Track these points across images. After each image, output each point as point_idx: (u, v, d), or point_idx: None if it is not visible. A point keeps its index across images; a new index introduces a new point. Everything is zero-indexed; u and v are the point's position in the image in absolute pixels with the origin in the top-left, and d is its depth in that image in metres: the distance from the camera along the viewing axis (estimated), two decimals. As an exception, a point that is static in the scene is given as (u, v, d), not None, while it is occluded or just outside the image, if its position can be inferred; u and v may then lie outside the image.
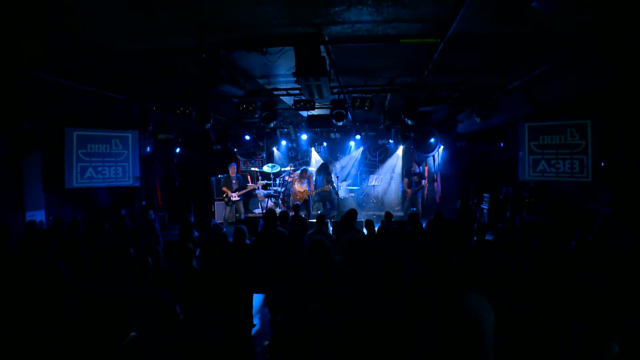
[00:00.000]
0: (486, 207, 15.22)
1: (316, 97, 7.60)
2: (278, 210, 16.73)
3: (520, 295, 4.91)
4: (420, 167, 15.82)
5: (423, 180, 15.50)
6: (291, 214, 10.91)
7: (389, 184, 19.05)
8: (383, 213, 10.41)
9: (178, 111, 10.74)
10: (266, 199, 16.58)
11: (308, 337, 4.58)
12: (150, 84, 9.89)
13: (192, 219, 11.51)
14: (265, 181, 18.23)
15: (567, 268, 6.00)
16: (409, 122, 10.24)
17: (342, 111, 10.13)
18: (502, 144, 17.54)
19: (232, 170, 15.13)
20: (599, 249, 6.68)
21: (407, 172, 16.00)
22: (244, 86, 7.61)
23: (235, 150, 18.72)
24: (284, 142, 19.74)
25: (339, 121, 10.28)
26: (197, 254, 7.88)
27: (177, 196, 18.20)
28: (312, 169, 18.99)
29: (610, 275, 5.57)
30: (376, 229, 9.01)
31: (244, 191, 14.99)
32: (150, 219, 10.12)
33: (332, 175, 16.53)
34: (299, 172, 15.46)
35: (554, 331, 4.54)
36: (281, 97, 11.42)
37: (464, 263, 4.15)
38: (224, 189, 14.84)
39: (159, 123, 12.07)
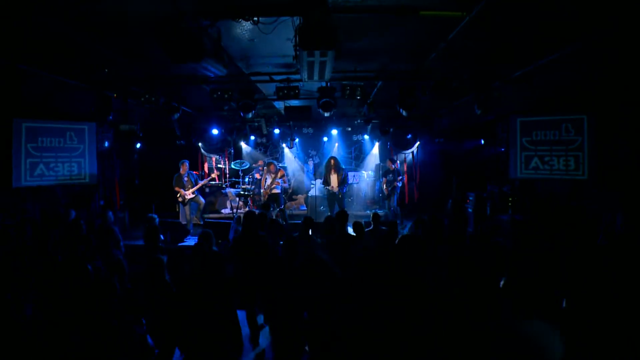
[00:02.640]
0: (471, 207, 14.37)
1: (316, 77, 6.45)
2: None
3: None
4: (397, 165, 14.81)
5: (398, 178, 14.52)
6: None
7: (366, 181, 18.02)
8: (362, 213, 9.54)
9: (142, 99, 9.39)
10: (236, 199, 15.31)
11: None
12: (112, 65, 8.51)
13: (158, 221, 10.22)
14: (233, 178, 16.99)
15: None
16: (404, 114, 9.24)
17: (331, 100, 9.04)
18: (482, 141, 16.85)
19: (184, 167, 13.73)
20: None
21: (384, 171, 14.98)
22: (227, 64, 6.40)
23: (200, 145, 17.44)
24: (252, 137, 18.46)
25: (327, 111, 9.19)
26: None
27: (138, 195, 16.86)
28: (282, 165, 17.91)
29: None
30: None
31: (197, 187, 13.70)
32: (109, 222, 8.90)
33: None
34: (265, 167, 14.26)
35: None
36: (257, 85, 10.29)
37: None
38: (177, 188, 13.61)
39: (120, 112, 10.64)
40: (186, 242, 12.11)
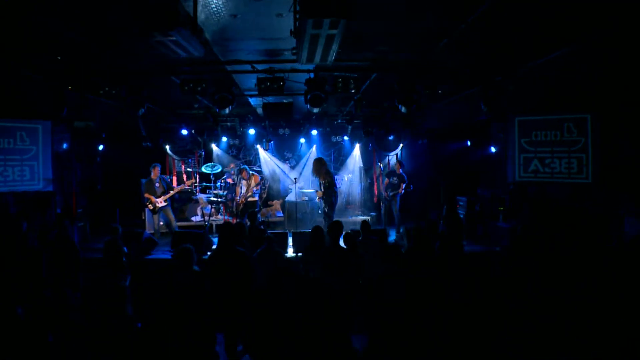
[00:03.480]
0: (462, 212, 13.43)
1: (317, 58, 5.25)
2: (219, 219, 14.30)
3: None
4: (402, 169, 13.76)
5: (402, 185, 13.47)
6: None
7: (347, 185, 16.86)
8: (342, 219, 8.53)
9: (102, 91, 8.05)
10: (209, 205, 13.99)
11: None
12: (69, 50, 7.14)
13: (121, 230, 9.10)
14: (204, 183, 15.67)
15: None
16: (403, 111, 8.16)
17: (321, 94, 7.89)
18: (468, 143, 15.96)
19: (155, 172, 12.49)
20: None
21: (387, 172, 13.85)
22: (203, 43, 5.17)
23: (167, 147, 16.14)
24: (224, 139, 17.15)
25: (317, 106, 8.05)
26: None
27: (101, 202, 15.48)
28: (257, 168, 16.81)
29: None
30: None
31: (170, 194, 12.48)
32: (66, 233, 8.03)
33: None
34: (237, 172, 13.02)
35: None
36: (234, 78, 9.08)
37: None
38: (147, 195, 12.37)
39: (78, 109, 9.25)
40: (154, 255, 10.96)
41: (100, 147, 15.14)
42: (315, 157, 12.50)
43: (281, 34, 6.04)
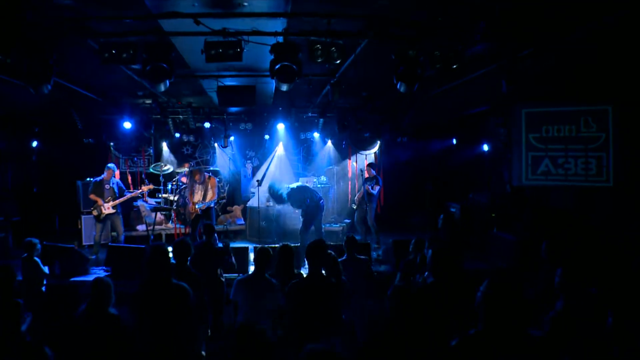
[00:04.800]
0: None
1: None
2: (170, 226, 12.06)
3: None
4: (373, 171, 11.72)
5: (377, 187, 11.43)
6: (199, 239, 7.92)
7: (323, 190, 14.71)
8: None
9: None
10: (152, 214, 11.66)
11: None
12: None
13: (39, 246, 7.42)
14: (154, 186, 13.41)
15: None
16: (402, 90, 6.13)
17: (293, 65, 5.76)
18: (454, 141, 14.17)
19: (109, 173, 10.67)
20: None
21: (364, 179, 11.75)
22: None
23: (111, 144, 14.07)
24: (177, 135, 14.81)
25: (286, 82, 5.91)
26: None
27: (37, 206, 13.78)
28: (214, 168, 14.65)
29: None
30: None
31: (120, 200, 10.57)
32: None
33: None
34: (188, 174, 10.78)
35: None
36: (183, 56, 6.93)
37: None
38: (92, 196, 10.49)
39: None
40: (84, 276, 8.85)
41: (35, 144, 13.55)
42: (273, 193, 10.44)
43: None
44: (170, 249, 5.10)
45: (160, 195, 13.16)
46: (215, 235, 7.76)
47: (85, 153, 13.63)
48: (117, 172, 10.81)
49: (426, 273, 5.52)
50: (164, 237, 12.51)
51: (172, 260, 5.22)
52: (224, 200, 14.97)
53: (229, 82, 9.02)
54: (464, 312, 4.17)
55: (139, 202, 11.56)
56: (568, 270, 4.33)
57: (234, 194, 15.39)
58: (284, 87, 6.04)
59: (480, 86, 9.09)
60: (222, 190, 15.03)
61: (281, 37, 5.90)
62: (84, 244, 11.99)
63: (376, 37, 5.84)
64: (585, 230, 8.97)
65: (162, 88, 6.12)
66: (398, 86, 6.20)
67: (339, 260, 6.48)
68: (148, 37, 5.92)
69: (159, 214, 12.81)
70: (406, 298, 4.03)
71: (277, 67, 5.77)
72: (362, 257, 7.04)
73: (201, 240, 7.74)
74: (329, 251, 5.99)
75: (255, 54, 6.26)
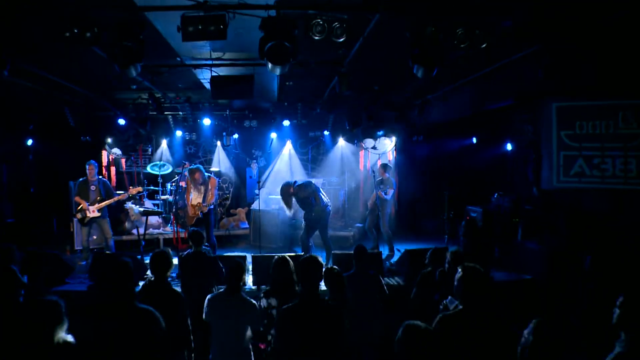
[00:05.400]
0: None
1: None
2: (168, 230, 11.20)
3: None
4: (387, 173, 10.78)
5: (391, 191, 10.49)
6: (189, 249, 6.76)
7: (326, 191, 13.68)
8: None
9: None
10: (142, 218, 10.76)
11: None
12: None
13: (17, 253, 6.38)
14: (151, 188, 12.56)
15: None
16: (420, 74, 5.16)
17: (285, 43, 4.79)
18: (474, 139, 13.15)
19: (91, 170, 9.94)
20: None
21: (377, 181, 10.79)
22: None
23: (106, 142, 13.33)
24: (179, 133, 13.97)
25: (279, 64, 4.94)
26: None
27: (34, 208, 13.20)
28: (216, 169, 13.75)
29: None
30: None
31: (106, 203, 9.78)
32: None
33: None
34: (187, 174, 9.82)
35: None
36: (169, 40, 6.08)
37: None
38: (77, 198, 9.85)
39: None
40: (69, 286, 8.26)
41: (30, 142, 12.97)
42: (281, 185, 9.48)
43: None
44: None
45: (158, 197, 12.34)
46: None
47: (83, 152, 12.63)
48: (94, 168, 10.00)
49: (449, 298, 4.56)
50: (161, 242, 11.73)
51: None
52: (228, 202, 14.19)
53: (228, 74, 8.17)
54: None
55: (128, 205, 10.70)
56: (633, 302, 3.26)
57: (238, 196, 14.47)
58: (278, 70, 5.08)
59: (504, 76, 8.15)
60: (227, 192, 14.29)
61: (274, 11, 4.95)
62: (76, 248, 11.28)
63: (387, 9, 4.84)
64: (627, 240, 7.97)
65: (134, 73, 5.21)
66: (415, 70, 5.22)
67: (346, 274, 5.59)
68: (119, 14, 5.01)
69: (157, 217, 11.99)
70: (423, 340, 3.05)
71: (267, 46, 4.80)
72: (373, 272, 6.16)
73: (189, 251, 6.88)
74: (334, 267, 5.19)
75: (255, 37, 5.32)
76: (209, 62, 7.79)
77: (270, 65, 4.97)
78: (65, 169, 12.88)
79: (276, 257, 5.19)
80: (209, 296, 4.76)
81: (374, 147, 14.00)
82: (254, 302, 4.66)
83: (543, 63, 6.58)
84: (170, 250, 4.96)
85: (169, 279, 4.79)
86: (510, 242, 9.90)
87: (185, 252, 6.93)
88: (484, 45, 4.98)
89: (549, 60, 6.52)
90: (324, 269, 5.11)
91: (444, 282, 5.36)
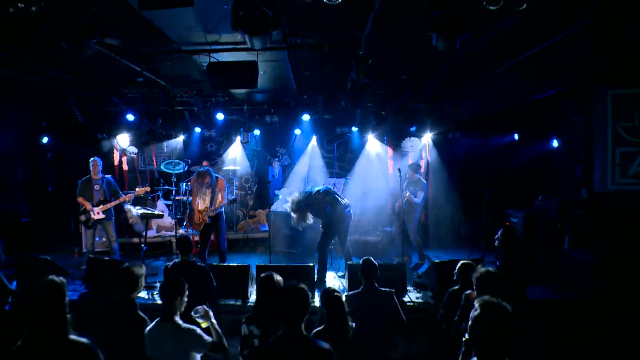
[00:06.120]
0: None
1: None
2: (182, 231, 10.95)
3: None
4: (417, 174, 9.78)
5: (421, 194, 9.49)
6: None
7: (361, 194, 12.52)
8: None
9: None
10: (140, 221, 10.05)
11: None
12: None
13: (4, 258, 7.74)
14: (165, 187, 11.87)
15: None
16: (440, 48, 4.11)
17: (264, 8, 3.80)
18: (516, 136, 11.98)
19: (95, 167, 9.47)
20: None
21: (406, 182, 9.80)
22: None
23: (115, 140, 12.81)
24: (197, 130, 13.28)
25: (255, 34, 3.96)
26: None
27: (52, 207, 13.11)
28: (233, 167, 12.87)
29: None
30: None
31: (112, 204, 9.37)
32: None
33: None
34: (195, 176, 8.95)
35: None
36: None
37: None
38: (80, 199, 9.36)
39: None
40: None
41: (45, 140, 13.04)
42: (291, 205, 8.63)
43: None
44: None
45: (173, 198, 11.60)
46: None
47: (99, 149, 12.58)
48: (98, 164, 9.57)
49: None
50: (174, 245, 11.05)
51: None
52: (251, 202, 13.55)
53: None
54: None
55: (126, 207, 10.01)
56: None
57: (260, 196, 13.64)
58: (257, 44, 4.11)
59: (550, 60, 6.96)
60: (250, 192, 13.62)
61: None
62: (84, 250, 10.74)
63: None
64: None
65: (88, 51, 4.30)
66: (434, 41, 4.15)
67: (352, 293, 5.16)
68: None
69: (170, 219, 11.31)
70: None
71: (240, 13, 3.82)
72: (386, 289, 5.18)
73: (175, 260, 6.06)
74: (330, 288, 4.28)
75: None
76: (207, 47, 6.95)
77: (246, 37, 4.00)
78: (83, 166, 12.35)
79: (262, 275, 4.38)
80: (149, 326, 3.92)
81: (403, 144, 12.87)
82: (190, 327, 3.86)
83: (595, 41, 5.42)
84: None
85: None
86: (554, 251, 8.73)
87: (172, 262, 6.13)
88: (522, 7, 3.85)
89: (602, 36, 5.33)
90: (322, 290, 4.45)
91: (468, 306, 4.32)
